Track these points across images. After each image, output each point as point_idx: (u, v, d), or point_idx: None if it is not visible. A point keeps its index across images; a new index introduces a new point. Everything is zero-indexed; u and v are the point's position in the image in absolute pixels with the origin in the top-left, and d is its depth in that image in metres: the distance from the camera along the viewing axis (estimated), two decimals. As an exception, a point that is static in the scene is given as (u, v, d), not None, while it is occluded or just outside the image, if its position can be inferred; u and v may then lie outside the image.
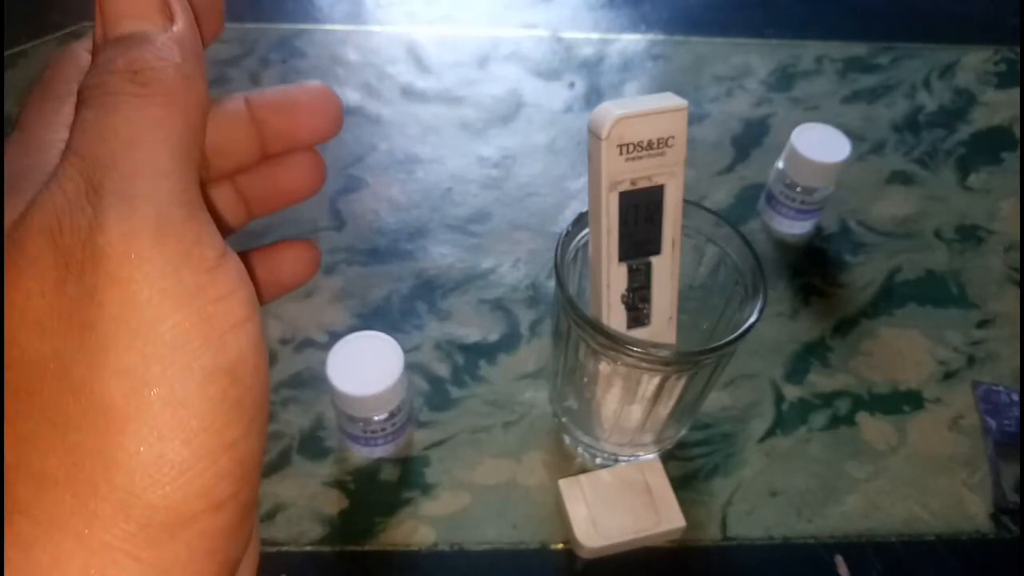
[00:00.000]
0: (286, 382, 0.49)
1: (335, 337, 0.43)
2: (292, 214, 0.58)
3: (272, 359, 0.50)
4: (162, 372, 0.15)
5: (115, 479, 0.15)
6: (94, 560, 0.15)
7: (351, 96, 0.65)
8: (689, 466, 0.47)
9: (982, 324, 0.55)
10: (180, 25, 0.18)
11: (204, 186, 0.23)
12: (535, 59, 0.69)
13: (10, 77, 0.67)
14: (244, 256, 0.23)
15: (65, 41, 0.70)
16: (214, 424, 0.16)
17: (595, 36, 0.72)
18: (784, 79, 0.69)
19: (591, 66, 0.69)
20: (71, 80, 0.19)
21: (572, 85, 0.68)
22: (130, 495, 0.15)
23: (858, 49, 0.72)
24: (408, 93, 0.66)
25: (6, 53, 0.69)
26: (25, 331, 0.15)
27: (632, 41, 0.72)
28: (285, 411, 0.48)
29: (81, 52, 0.19)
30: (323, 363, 0.42)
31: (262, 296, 0.24)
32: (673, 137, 0.33)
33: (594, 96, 0.67)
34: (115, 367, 0.15)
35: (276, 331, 0.52)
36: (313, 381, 0.49)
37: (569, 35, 0.72)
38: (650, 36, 0.73)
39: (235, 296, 0.16)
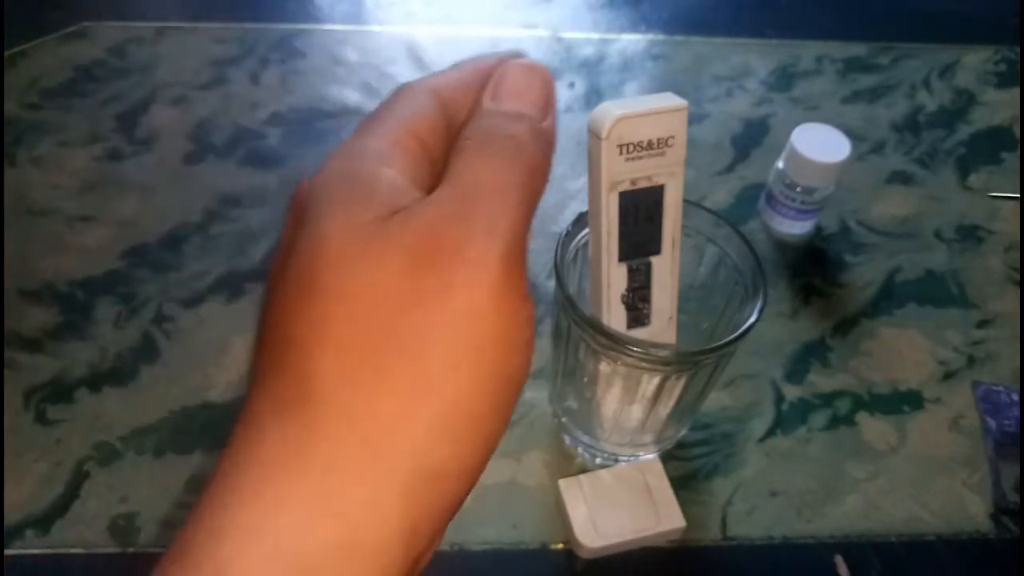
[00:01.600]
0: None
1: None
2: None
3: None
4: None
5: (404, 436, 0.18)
6: (373, 491, 0.17)
7: (351, 96, 0.65)
8: (689, 466, 0.47)
9: (982, 324, 0.55)
10: (550, 121, 0.22)
11: None
12: (535, 59, 0.69)
13: (10, 77, 0.67)
14: None
15: (65, 41, 0.70)
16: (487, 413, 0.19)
17: (595, 36, 0.72)
18: (784, 79, 0.69)
19: (591, 66, 0.69)
20: (398, 114, 0.21)
21: (572, 85, 0.68)
22: (414, 452, 0.18)
23: (858, 49, 0.72)
24: (408, 93, 0.66)
25: (6, 53, 0.69)
26: (372, 299, 0.18)
27: (632, 41, 0.72)
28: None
29: (420, 95, 0.22)
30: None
31: None
32: (673, 137, 0.33)
33: (594, 96, 0.67)
34: (441, 356, 0.18)
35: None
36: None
37: (569, 35, 0.72)
38: (650, 36, 0.73)
39: (530, 326, 0.20)
